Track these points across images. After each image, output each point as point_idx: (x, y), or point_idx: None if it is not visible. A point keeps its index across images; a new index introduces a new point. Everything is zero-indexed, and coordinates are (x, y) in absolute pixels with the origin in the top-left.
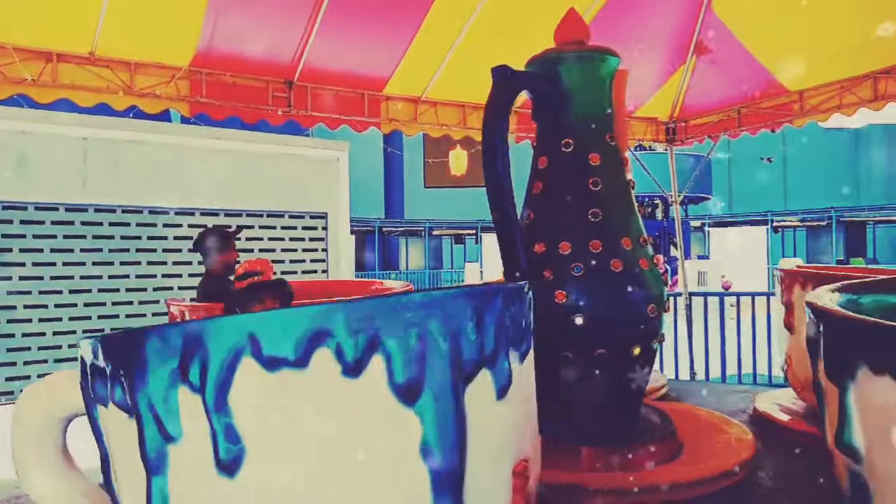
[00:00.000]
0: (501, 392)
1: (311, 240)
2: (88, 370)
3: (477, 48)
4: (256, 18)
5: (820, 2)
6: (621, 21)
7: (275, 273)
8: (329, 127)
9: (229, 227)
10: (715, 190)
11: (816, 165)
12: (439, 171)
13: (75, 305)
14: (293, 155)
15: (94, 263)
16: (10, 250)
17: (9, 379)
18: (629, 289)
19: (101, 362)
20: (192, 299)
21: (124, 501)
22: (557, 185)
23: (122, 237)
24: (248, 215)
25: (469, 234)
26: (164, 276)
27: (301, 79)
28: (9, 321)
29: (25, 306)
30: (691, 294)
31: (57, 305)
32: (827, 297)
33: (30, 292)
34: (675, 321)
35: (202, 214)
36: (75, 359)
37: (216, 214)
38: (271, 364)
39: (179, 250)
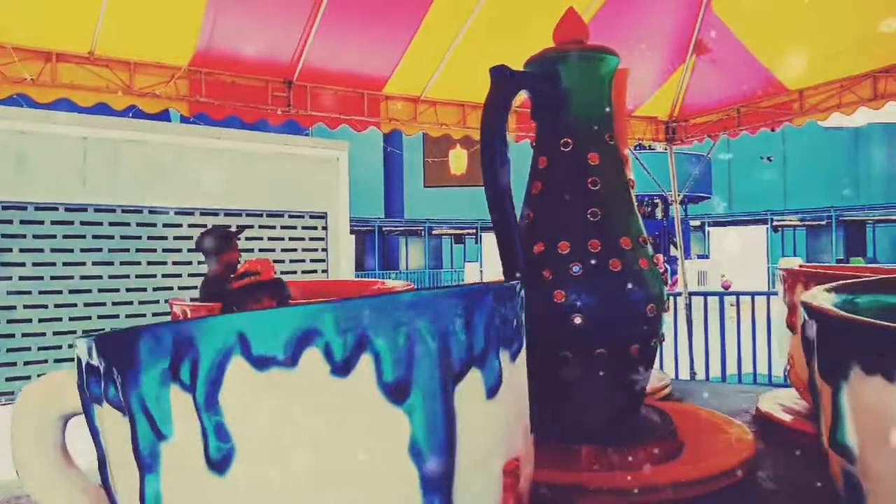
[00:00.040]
0: (492, 391)
1: (311, 239)
2: (84, 369)
3: (476, 47)
4: (256, 18)
5: (820, 1)
6: (620, 20)
7: (276, 273)
8: (329, 126)
9: (229, 226)
10: (715, 189)
11: (816, 165)
12: (439, 170)
13: (75, 305)
14: (293, 154)
15: (94, 263)
16: (9, 250)
17: (9, 379)
18: (628, 288)
19: (96, 361)
20: (192, 299)
21: (120, 499)
22: (556, 184)
23: (122, 237)
24: (247, 215)
25: (469, 234)
26: (164, 275)
27: (300, 78)
28: (9, 321)
29: (25, 306)
30: (691, 293)
31: (57, 305)
32: (822, 297)
33: (30, 292)
34: (675, 321)
35: (202, 214)
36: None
37: (216, 214)
38: (261, 363)
39: (179, 250)
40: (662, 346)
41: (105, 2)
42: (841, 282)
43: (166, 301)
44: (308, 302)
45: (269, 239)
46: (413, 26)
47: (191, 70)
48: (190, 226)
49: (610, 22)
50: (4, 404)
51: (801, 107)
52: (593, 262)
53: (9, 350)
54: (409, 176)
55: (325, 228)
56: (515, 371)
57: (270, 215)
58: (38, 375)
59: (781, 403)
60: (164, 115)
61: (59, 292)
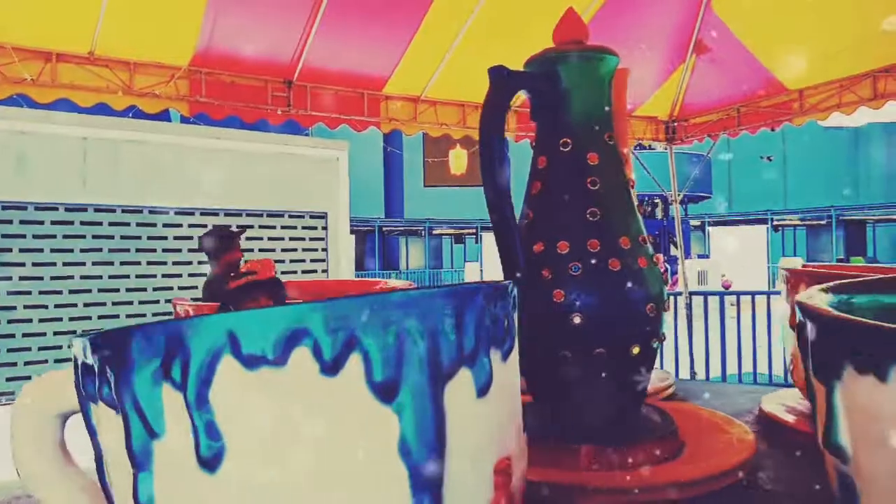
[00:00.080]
0: (482, 391)
1: (311, 239)
2: (80, 368)
3: (476, 47)
4: (256, 18)
5: (820, 0)
6: (620, 20)
7: (277, 273)
8: (328, 126)
9: (229, 226)
10: (715, 189)
11: (816, 164)
12: (439, 170)
13: (75, 305)
14: (293, 154)
15: (94, 263)
16: (9, 250)
17: (9, 379)
18: (627, 288)
19: (90, 360)
20: (193, 299)
21: (117, 497)
22: (556, 184)
23: (122, 237)
24: (247, 215)
25: (469, 234)
26: (164, 276)
27: (300, 78)
28: (9, 321)
29: (25, 306)
30: (691, 293)
31: (57, 305)
32: (818, 297)
33: (30, 292)
34: (676, 320)
35: (202, 214)
36: None
37: (216, 214)
38: (250, 362)
39: (179, 250)
40: (663, 346)
41: (105, 2)
42: (837, 282)
43: (167, 301)
44: (298, 301)
45: (270, 239)
46: (413, 26)
47: (191, 70)
48: (190, 226)
49: (609, 22)
50: (5, 404)
51: (801, 106)
52: (593, 261)
53: (9, 350)
54: (409, 176)
55: (325, 228)
56: (507, 371)
57: (270, 215)
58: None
59: (785, 404)
60: (164, 116)
61: (60, 292)
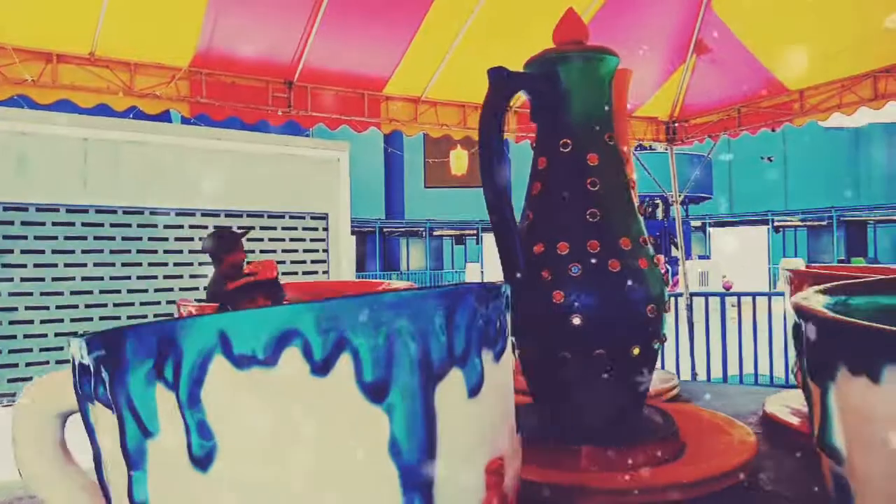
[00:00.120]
0: (473, 391)
1: (312, 240)
2: (77, 368)
3: (477, 48)
4: (256, 19)
5: (820, 1)
6: (620, 21)
7: (278, 274)
8: (329, 127)
9: (230, 228)
10: (716, 190)
11: (817, 165)
12: (440, 171)
13: (76, 307)
14: (293, 155)
15: (96, 264)
16: (11, 251)
17: (11, 381)
18: (627, 289)
19: (87, 361)
20: (198, 300)
21: (114, 495)
22: (556, 185)
23: (123, 238)
24: (248, 216)
25: (470, 235)
26: (165, 276)
27: (301, 79)
28: (10, 322)
29: (27, 307)
30: (692, 294)
31: (58, 307)
32: (814, 299)
33: (31, 293)
34: (677, 321)
35: (203, 215)
36: None
37: (217, 215)
38: (241, 362)
39: (180, 251)
40: (664, 347)
41: (106, 3)
42: (834, 283)
43: (168, 302)
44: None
45: (270, 240)
46: (413, 27)
47: (191, 71)
48: (191, 227)
49: (610, 22)
50: (6, 406)
51: (801, 107)
52: (592, 262)
53: (10, 351)
54: (409, 176)
55: (325, 229)
56: (499, 371)
57: (271, 216)
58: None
59: (788, 405)
60: (164, 116)
61: (61, 293)
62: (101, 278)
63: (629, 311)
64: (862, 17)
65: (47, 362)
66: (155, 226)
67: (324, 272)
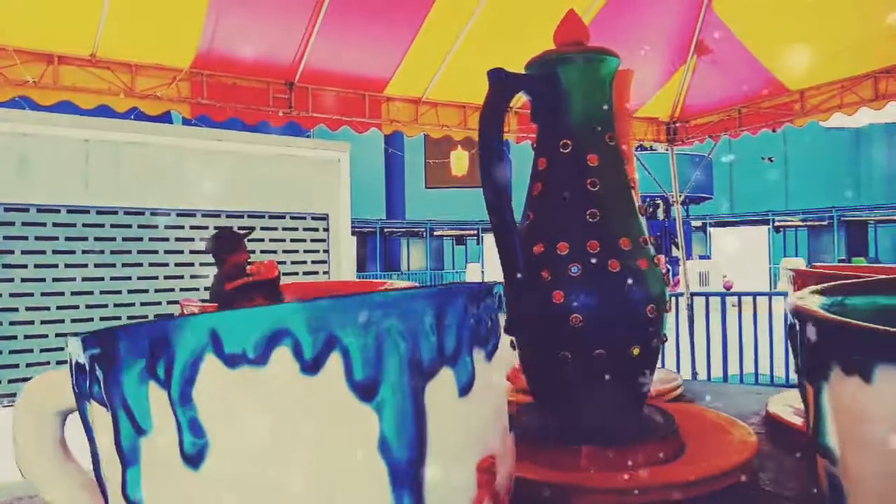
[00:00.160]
0: (464, 390)
1: (313, 241)
2: (74, 367)
3: (477, 49)
4: (257, 20)
5: (820, 1)
6: (621, 21)
7: (279, 274)
8: (330, 128)
9: (231, 228)
10: (716, 190)
11: (818, 165)
12: (440, 171)
13: (77, 307)
14: (294, 156)
15: (96, 265)
16: (12, 252)
17: (11, 381)
18: (627, 289)
19: (83, 360)
20: (201, 300)
21: (110, 493)
22: (556, 185)
23: (124, 239)
24: (249, 216)
25: (470, 235)
26: (165, 277)
27: (302, 80)
28: (11, 323)
29: (28, 308)
30: (693, 294)
31: (59, 307)
32: (810, 299)
33: (32, 294)
34: (677, 321)
35: (204, 216)
36: None
37: (217, 216)
38: (232, 361)
39: (181, 252)
40: (664, 347)
41: (107, 4)
42: (831, 283)
43: (169, 303)
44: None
45: (271, 240)
46: (414, 27)
47: (192, 72)
48: (192, 227)
49: (610, 23)
50: (7, 406)
51: (802, 107)
52: (592, 262)
53: (11, 352)
54: (410, 177)
55: (326, 230)
56: (491, 370)
57: (272, 217)
58: None
59: (791, 405)
60: (165, 118)
61: (62, 294)
62: (102, 279)
63: (629, 311)
64: (863, 18)
65: (48, 363)
66: (156, 226)
67: (324, 273)
